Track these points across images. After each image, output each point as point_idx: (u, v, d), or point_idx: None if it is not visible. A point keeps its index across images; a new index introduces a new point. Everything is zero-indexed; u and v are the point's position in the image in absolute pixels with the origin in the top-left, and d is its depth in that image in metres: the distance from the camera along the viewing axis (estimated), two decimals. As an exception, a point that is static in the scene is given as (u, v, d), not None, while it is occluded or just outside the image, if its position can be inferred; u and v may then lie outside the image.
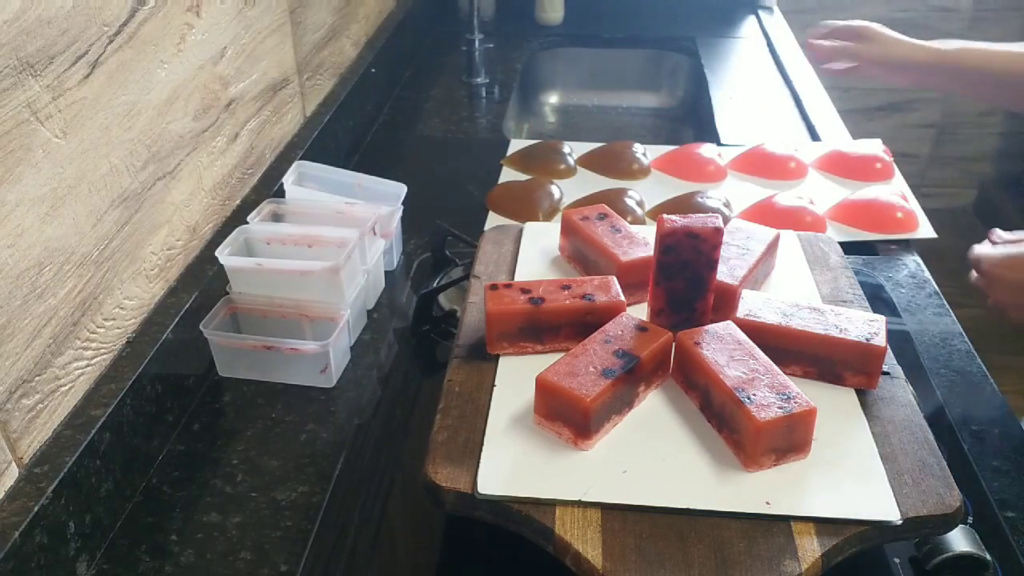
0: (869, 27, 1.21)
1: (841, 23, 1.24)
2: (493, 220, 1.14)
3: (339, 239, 0.90)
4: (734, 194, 1.18)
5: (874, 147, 1.25)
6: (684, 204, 1.14)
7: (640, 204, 1.15)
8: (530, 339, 0.72)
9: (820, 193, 1.17)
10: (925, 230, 1.08)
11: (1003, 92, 1.15)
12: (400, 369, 0.92)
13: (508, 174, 1.26)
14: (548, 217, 1.15)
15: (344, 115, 1.29)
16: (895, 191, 1.14)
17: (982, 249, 0.96)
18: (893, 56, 1.18)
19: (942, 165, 2.88)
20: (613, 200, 1.12)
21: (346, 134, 1.31)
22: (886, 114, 2.70)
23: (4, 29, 0.60)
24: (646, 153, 1.28)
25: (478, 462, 0.62)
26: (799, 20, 1.90)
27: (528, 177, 1.24)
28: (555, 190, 1.19)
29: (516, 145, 1.34)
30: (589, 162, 1.28)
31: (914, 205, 1.12)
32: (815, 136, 1.42)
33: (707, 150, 1.28)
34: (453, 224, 1.04)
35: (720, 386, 0.63)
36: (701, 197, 1.15)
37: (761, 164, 1.24)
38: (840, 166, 1.23)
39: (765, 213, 1.10)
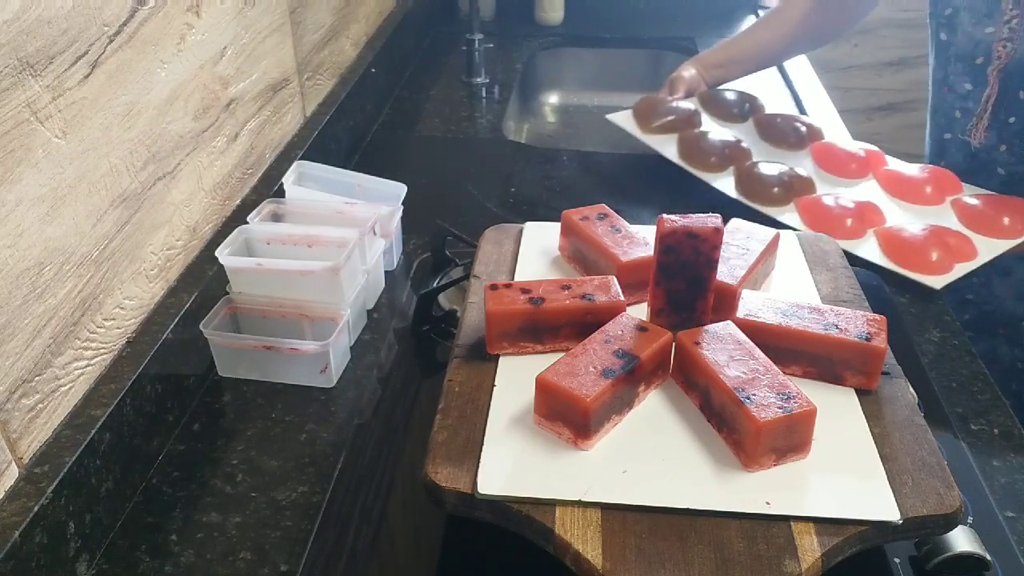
0: None
1: None
2: (618, 118, 1.32)
3: (339, 239, 0.90)
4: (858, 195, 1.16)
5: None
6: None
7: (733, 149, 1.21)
8: (530, 339, 0.72)
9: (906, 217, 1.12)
10: (938, 281, 1.01)
11: None
12: (400, 369, 0.92)
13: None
14: (657, 131, 1.27)
15: (344, 115, 1.29)
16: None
17: None
18: None
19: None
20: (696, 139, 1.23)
21: (346, 134, 1.31)
22: (886, 114, 2.70)
23: (4, 29, 0.60)
24: (811, 132, 1.28)
25: (478, 462, 0.62)
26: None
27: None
28: (689, 107, 1.29)
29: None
30: (760, 122, 1.31)
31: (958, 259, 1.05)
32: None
33: (853, 146, 1.25)
34: (453, 224, 1.04)
35: (720, 386, 0.63)
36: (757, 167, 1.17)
37: (897, 182, 1.19)
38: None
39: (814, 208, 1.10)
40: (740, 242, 0.80)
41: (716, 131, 1.27)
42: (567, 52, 1.89)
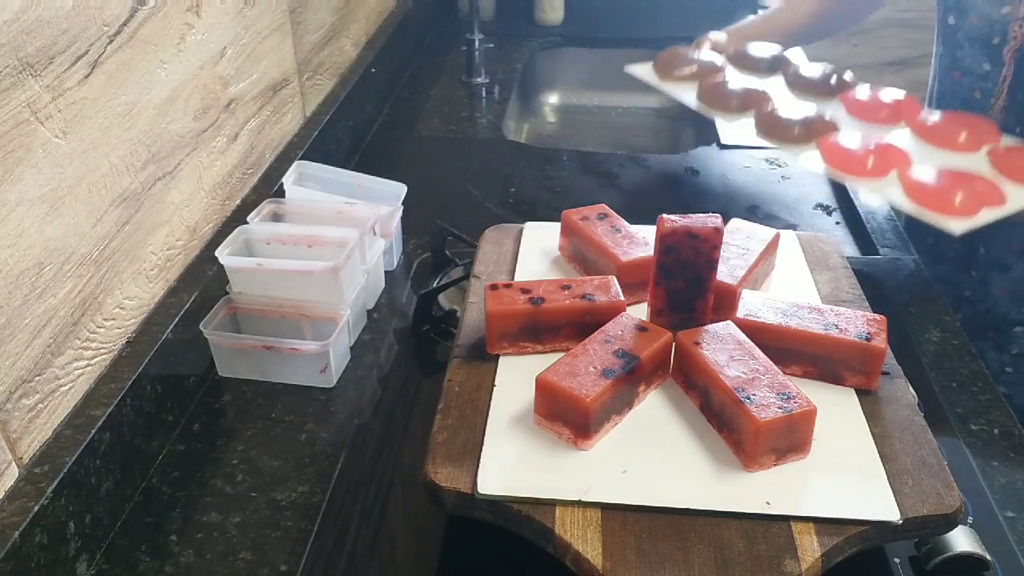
0: None
1: None
2: (637, 69, 1.26)
3: (339, 239, 0.90)
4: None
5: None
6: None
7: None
8: (530, 339, 0.72)
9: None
10: (960, 226, 0.93)
11: None
12: (400, 369, 0.92)
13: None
14: (677, 79, 1.21)
15: (344, 115, 1.29)
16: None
17: None
18: None
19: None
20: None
21: (346, 134, 1.31)
22: (886, 114, 2.70)
23: (4, 29, 0.60)
24: (842, 83, 1.21)
25: (478, 462, 0.62)
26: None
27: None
28: (715, 60, 1.23)
29: None
30: (789, 73, 1.25)
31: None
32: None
33: (886, 94, 1.17)
34: (453, 224, 1.04)
35: (720, 386, 0.63)
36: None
37: (931, 128, 1.11)
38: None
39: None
40: (740, 242, 0.80)
41: (740, 79, 1.21)
42: (567, 52, 1.89)
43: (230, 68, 0.95)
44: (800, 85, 1.21)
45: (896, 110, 1.13)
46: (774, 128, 1.10)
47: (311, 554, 0.70)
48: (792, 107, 1.13)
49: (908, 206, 0.97)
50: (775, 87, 1.22)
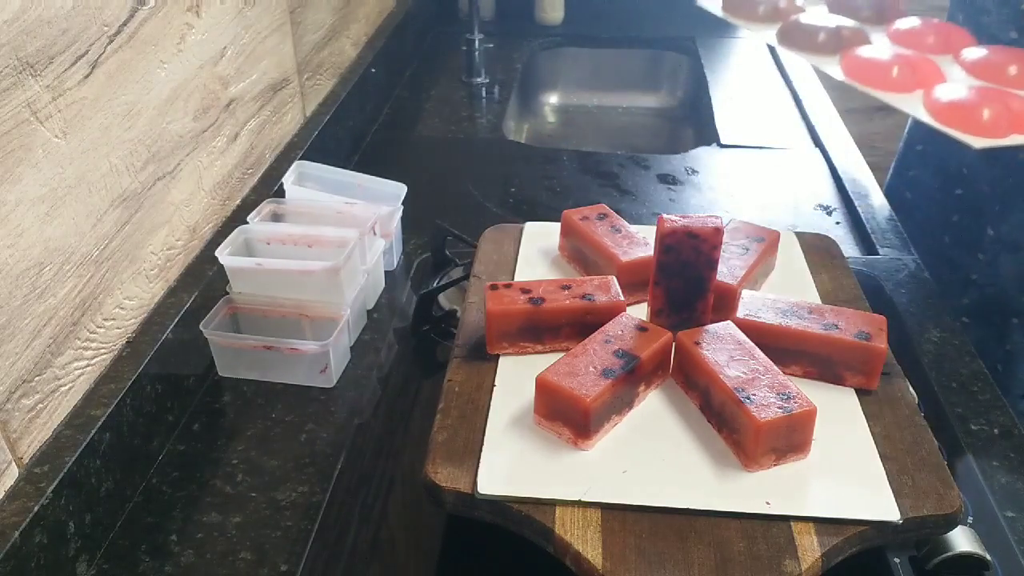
0: None
1: None
2: None
3: (339, 239, 0.90)
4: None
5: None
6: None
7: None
8: (530, 339, 0.72)
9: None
10: (979, 141, 0.86)
11: None
12: (400, 369, 0.92)
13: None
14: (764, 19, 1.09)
15: (344, 115, 1.29)
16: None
17: None
18: None
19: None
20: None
21: (346, 134, 1.31)
22: (886, 114, 2.69)
23: (4, 29, 0.60)
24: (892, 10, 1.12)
25: (478, 462, 0.62)
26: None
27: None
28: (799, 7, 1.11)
29: None
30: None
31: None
32: (815, 137, 1.42)
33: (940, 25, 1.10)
34: (453, 224, 1.05)
35: (720, 386, 0.63)
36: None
37: (977, 60, 1.02)
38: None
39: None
40: (740, 242, 0.80)
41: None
42: (567, 52, 1.89)
43: (230, 68, 0.95)
44: (842, 7, 1.11)
45: (944, 40, 1.04)
46: (797, 36, 1.02)
47: (311, 554, 0.70)
48: (819, 16, 1.04)
49: (928, 119, 0.90)
50: (815, 8, 1.13)
